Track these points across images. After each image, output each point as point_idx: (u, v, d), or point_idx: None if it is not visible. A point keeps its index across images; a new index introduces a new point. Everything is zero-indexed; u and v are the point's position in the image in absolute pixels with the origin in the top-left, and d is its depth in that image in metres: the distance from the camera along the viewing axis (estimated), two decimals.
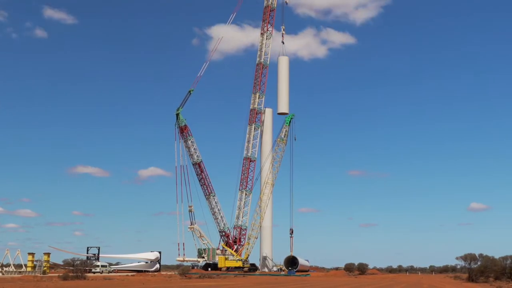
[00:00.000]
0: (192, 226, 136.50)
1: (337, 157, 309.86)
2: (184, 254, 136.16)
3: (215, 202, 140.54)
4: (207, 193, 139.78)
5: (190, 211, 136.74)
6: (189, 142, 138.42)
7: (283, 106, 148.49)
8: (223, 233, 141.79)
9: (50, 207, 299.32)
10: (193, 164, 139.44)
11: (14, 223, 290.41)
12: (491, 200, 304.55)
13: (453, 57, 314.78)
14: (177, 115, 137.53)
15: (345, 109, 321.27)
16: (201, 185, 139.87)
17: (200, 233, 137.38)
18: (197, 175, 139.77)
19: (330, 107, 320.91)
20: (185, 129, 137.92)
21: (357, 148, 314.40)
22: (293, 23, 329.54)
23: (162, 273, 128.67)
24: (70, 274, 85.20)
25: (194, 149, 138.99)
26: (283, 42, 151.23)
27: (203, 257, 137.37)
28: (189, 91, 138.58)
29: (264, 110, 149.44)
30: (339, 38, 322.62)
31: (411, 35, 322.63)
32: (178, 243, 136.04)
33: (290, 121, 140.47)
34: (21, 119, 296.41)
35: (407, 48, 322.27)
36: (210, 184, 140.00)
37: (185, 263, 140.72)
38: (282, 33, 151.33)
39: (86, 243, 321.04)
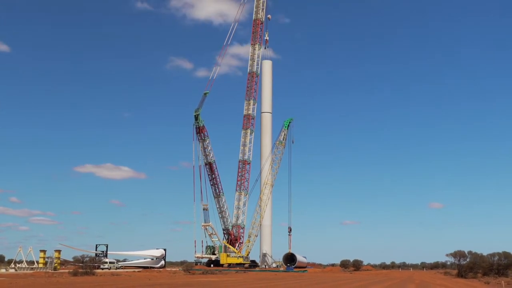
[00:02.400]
0: (207, 223, 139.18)
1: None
2: (202, 252, 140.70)
3: (223, 201, 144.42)
4: (217, 193, 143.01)
5: (204, 209, 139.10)
6: (206, 142, 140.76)
7: (267, 106, 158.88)
8: (226, 231, 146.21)
9: (48, 207, 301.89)
10: (205, 164, 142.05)
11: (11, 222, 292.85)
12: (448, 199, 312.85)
13: (407, 65, 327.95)
14: (197, 116, 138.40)
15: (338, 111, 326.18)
16: (211, 185, 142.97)
17: (213, 230, 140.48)
18: (208, 175, 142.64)
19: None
20: (202, 130, 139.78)
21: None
22: None
23: (167, 269, 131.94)
24: (80, 270, 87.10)
25: (210, 149, 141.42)
26: (265, 48, 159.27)
27: (215, 254, 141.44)
28: (205, 93, 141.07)
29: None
30: None
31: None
32: (195, 240, 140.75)
33: (288, 125, 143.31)
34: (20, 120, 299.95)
35: (348, 59, 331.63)
36: (220, 184, 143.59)
37: (201, 260, 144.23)
38: (266, 39, 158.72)
39: (83, 241, 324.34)
